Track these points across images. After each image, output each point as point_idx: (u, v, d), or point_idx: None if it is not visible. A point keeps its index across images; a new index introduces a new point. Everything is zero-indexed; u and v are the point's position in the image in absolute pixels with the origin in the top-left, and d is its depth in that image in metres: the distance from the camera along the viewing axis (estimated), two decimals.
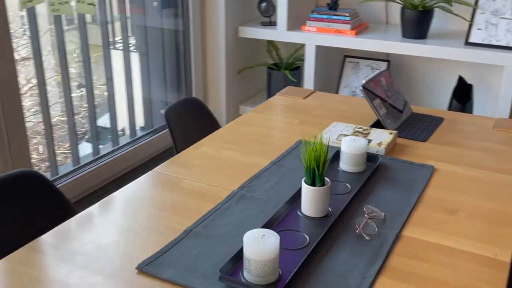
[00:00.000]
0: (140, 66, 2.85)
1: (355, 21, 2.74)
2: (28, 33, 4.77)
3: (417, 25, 2.57)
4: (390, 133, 1.71)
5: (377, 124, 1.83)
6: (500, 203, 1.35)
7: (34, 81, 4.71)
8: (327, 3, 2.79)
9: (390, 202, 1.34)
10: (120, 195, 1.38)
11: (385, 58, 2.91)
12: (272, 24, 2.95)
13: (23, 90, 4.60)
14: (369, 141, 1.66)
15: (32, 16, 2.14)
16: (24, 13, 2.19)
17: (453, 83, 2.78)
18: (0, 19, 1.86)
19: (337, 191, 1.39)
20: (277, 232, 1.19)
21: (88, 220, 1.26)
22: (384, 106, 1.85)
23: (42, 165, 3.87)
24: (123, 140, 2.72)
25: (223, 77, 2.97)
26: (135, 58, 2.86)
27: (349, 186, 1.42)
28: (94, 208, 1.31)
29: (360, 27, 2.76)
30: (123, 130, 3.16)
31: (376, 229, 1.22)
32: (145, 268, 1.07)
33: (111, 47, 2.75)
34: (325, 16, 2.74)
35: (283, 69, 2.99)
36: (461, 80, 2.65)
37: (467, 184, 1.46)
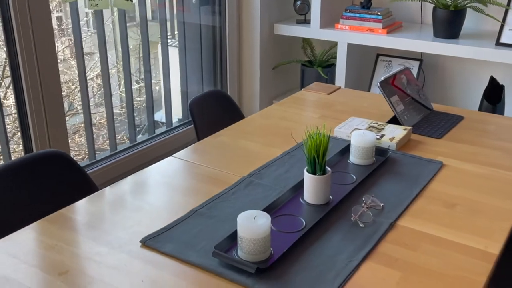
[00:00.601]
0: (179, 60, 2.97)
1: (387, 20, 2.76)
2: (91, 28, 5.00)
3: (448, 25, 2.57)
4: (404, 129, 1.75)
5: (395, 121, 1.87)
6: (502, 200, 1.37)
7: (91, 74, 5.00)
8: (360, 2, 2.82)
9: (391, 194, 1.39)
10: (138, 177, 1.49)
11: (418, 57, 2.91)
12: (307, 22, 3.00)
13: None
14: (382, 136, 1.71)
15: (74, 11, 2.28)
16: (88, 10, 2.33)
17: (485, 83, 2.75)
18: (44, 18, 2.00)
19: (342, 182, 1.45)
20: (276, 216, 1.27)
21: (105, 198, 1.37)
22: (402, 103, 1.88)
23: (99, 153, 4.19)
24: (159, 130, 2.85)
25: (257, 73, 3.06)
26: (174, 52, 2.98)
27: (354, 177, 1.48)
28: (112, 188, 1.43)
29: (392, 26, 2.78)
30: (162, 121, 3.30)
31: (372, 217, 1.27)
32: (148, 242, 1.16)
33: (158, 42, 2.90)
34: (357, 15, 2.78)
35: (316, 66, 3.05)
36: (493, 80, 2.62)
37: (473, 180, 1.48)
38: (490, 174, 1.51)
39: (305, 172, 1.32)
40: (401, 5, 2.95)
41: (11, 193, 1.42)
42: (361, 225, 1.24)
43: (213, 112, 2.06)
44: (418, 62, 2.87)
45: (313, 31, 2.90)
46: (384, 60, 2.97)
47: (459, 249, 1.16)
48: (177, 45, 3.01)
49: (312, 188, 1.31)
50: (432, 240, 1.19)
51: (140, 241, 1.17)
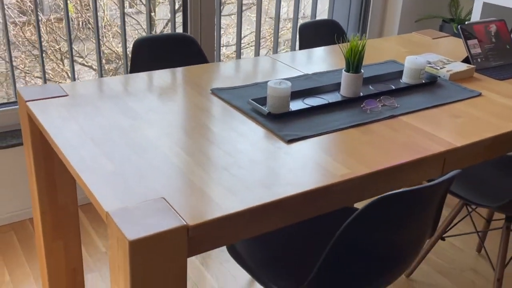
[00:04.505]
0: (329, 2, 3.41)
1: None
2: None
3: None
4: (467, 67, 2.00)
5: (468, 62, 2.10)
6: (506, 122, 1.61)
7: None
8: None
9: (412, 101, 1.72)
10: (240, 61, 2.04)
11: None
12: None
13: None
14: (443, 68, 1.99)
15: None
16: None
17: None
18: None
19: (380, 89, 1.81)
20: (312, 97, 1.72)
21: (206, 68, 1.95)
22: (480, 48, 2.11)
23: None
24: None
25: (397, 23, 3.35)
26: None
27: (393, 87, 1.83)
28: (216, 63, 2.00)
29: None
30: None
31: (380, 108, 1.64)
32: (215, 91, 1.72)
33: None
34: None
35: (455, 23, 3.23)
36: None
37: (496, 108, 1.72)
38: None
39: (343, 71, 1.73)
40: None
41: (156, 52, 2.09)
42: (368, 111, 1.63)
43: (321, 38, 2.50)
44: None
45: None
46: None
47: (430, 137, 1.49)
48: None
49: (344, 82, 1.72)
50: (414, 130, 1.53)
51: (211, 89, 1.73)
